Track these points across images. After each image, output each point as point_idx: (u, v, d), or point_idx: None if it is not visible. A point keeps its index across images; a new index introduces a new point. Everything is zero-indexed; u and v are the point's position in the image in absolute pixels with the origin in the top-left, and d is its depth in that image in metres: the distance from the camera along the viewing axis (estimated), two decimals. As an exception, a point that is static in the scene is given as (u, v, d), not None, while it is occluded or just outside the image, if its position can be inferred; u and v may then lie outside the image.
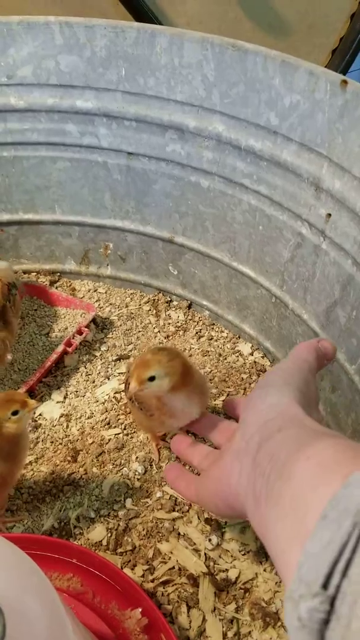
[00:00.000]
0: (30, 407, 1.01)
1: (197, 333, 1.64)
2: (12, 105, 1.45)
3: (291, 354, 0.78)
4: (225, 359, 1.57)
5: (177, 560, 1.13)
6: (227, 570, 1.12)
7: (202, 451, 0.86)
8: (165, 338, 1.63)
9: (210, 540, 1.15)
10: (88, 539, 1.16)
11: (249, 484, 0.60)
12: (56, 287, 1.78)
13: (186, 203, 1.49)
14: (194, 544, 1.15)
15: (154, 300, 1.75)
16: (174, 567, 1.12)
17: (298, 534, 0.46)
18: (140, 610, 0.99)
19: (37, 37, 1.34)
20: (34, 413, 1.42)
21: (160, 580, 1.10)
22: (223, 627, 1.04)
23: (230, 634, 1.03)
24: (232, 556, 1.14)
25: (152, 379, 0.94)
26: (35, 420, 1.40)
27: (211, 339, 1.63)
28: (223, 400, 0.98)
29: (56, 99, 1.43)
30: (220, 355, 1.57)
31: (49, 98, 1.43)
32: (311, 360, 0.76)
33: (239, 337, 1.63)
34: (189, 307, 1.71)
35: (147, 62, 1.30)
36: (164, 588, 1.09)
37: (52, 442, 1.35)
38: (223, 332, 1.65)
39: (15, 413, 0.99)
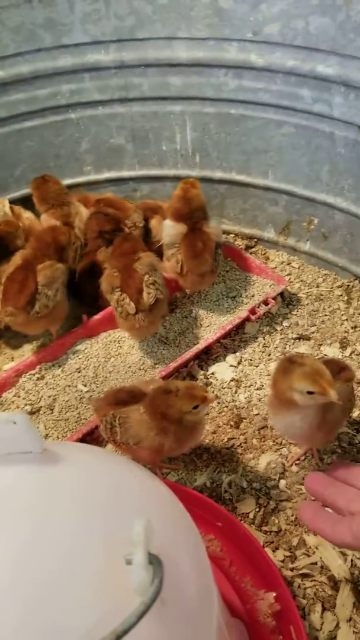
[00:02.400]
0: (209, 401, 1.03)
1: (388, 330, 1.53)
2: (251, 63, 1.43)
3: None
4: None
5: (321, 557, 1.08)
6: (371, 584, 1.05)
7: (347, 492, 0.76)
8: (352, 328, 1.54)
9: (360, 548, 1.08)
10: (236, 507, 1.16)
11: None
12: (250, 253, 1.76)
13: None
14: (342, 546, 1.09)
15: (348, 285, 1.66)
16: (316, 563, 1.08)
17: None
18: (274, 595, 0.97)
19: (294, -7, 1.29)
20: (207, 370, 1.44)
21: (300, 572, 1.07)
22: (356, 640, 0.98)
23: (362, 651, 0.97)
24: (379, 571, 1.07)
25: None
26: (207, 378, 1.42)
27: None
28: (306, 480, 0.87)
29: (297, 62, 1.38)
30: None
31: (290, 59, 1.38)
32: None
33: None
34: (386, 301, 1.60)
35: None
36: (301, 581, 1.06)
37: (218, 402, 1.36)
38: None
39: (195, 407, 1.02)
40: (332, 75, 1.34)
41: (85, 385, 1.40)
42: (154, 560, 0.49)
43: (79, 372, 1.43)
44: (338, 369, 1.09)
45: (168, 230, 1.48)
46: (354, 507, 0.71)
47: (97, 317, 1.52)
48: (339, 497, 0.74)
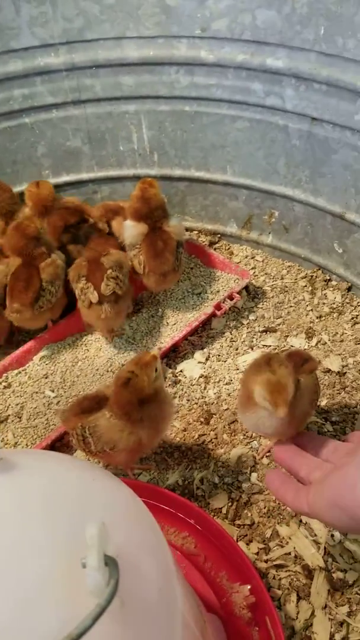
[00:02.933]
0: (156, 356, 1.03)
1: (352, 319, 1.55)
2: (201, 59, 1.43)
3: None
4: (380, 350, 1.46)
5: (294, 547, 1.09)
6: (345, 570, 1.06)
7: (310, 462, 0.79)
8: (317, 318, 1.56)
9: (332, 535, 1.09)
10: (209, 503, 1.17)
11: None
12: (215, 249, 1.77)
13: (366, 178, 1.38)
14: (315, 535, 1.10)
15: (311, 276, 1.67)
16: (290, 553, 1.09)
17: None
18: (249, 587, 0.98)
19: (239, -12, 1.29)
20: (175, 368, 1.44)
21: (274, 563, 1.07)
22: (332, 627, 0.99)
23: (338, 637, 0.98)
24: (353, 558, 1.08)
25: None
26: (176, 376, 1.42)
27: (367, 327, 1.53)
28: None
29: (247, 56, 1.38)
30: (374, 345, 1.47)
31: (239, 54, 1.39)
32: None
33: None
34: (349, 289, 1.62)
35: (350, 22, 1.20)
36: (276, 571, 1.07)
37: (188, 400, 1.36)
38: (382, 321, 1.54)
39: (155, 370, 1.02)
40: (282, 68, 1.35)
41: (53, 391, 1.39)
42: (109, 562, 0.49)
43: (46, 378, 1.42)
44: (302, 360, 1.10)
45: (129, 231, 1.48)
46: (313, 476, 0.73)
47: (62, 321, 1.51)
48: (302, 467, 0.76)
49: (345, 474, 0.63)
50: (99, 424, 1.06)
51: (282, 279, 1.69)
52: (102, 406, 1.07)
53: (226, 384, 1.40)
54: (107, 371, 1.42)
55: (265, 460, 1.23)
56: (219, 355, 1.47)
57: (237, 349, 1.49)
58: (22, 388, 1.40)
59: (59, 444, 1.28)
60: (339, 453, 0.76)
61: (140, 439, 1.05)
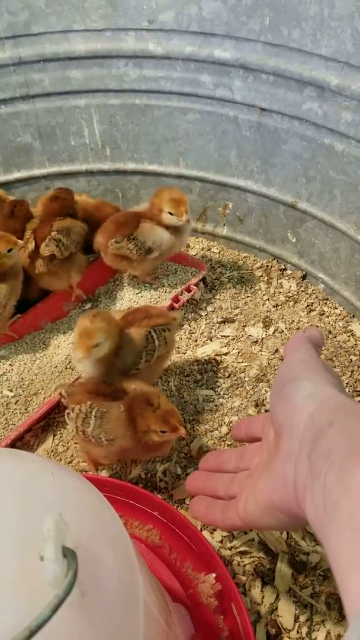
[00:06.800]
0: (178, 434, 1.05)
1: (308, 306, 1.57)
2: (150, 52, 1.43)
3: (288, 352, 0.71)
4: (335, 337, 1.49)
5: (257, 533, 1.10)
6: (308, 553, 1.08)
7: (223, 479, 0.78)
8: (273, 307, 1.57)
9: (294, 519, 1.11)
10: (172, 495, 1.17)
11: (307, 487, 0.55)
12: (171, 242, 1.77)
13: (316, 167, 1.40)
14: (278, 520, 1.12)
15: (267, 266, 1.69)
16: (253, 540, 1.10)
17: (358, 560, 0.43)
18: (214, 575, 0.98)
19: (184, -21, 1.29)
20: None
21: (238, 549, 1.08)
22: (296, 610, 1.00)
23: (302, 619, 0.99)
24: (315, 540, 1.10)
25: (96, 345, 1.08)
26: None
27: (322, 314, 1.55)
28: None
29: (194, 47, 1.39)
30: (330, 332, 1.50)
31: (187, 46, 1.39)
32: (310, 348, 0.71)
33: (354, 316, 1.54)
34: (303, 278, 1.64)
35: (294, 11, 1.22)
36: (240, 558, 1.07)
37: (148, 394, 1.36)
38: (337, 308, 1.56)
39: (163, 432, 1.02)
40: (229, 59, 1.36)
41: (11, 391, 1.36)
42: (67, 554, 0.49)
43: (3, 377, 1.39)
44: (144, 316, 1.20)
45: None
46: (232, 490, 0.73)
47: (19, 319, 1.48)
48: (218, 486, 0.75)
49: (274, 472, 0.62)
50: (110, 412, 1.05)
51: (238, 269, 1.70)
52: (118, 398, 1.07)
53: (186, 375, 1.40)
54: (66, 368, 1.40)
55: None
56: (178, 348, 1.47)
57: (196, 341, 1.49)
58: (-21, 389, 1.38)
59: (19, 444, 1.26)
60: (247, 458, 0.76)
61: (130, 446, 1.05)
